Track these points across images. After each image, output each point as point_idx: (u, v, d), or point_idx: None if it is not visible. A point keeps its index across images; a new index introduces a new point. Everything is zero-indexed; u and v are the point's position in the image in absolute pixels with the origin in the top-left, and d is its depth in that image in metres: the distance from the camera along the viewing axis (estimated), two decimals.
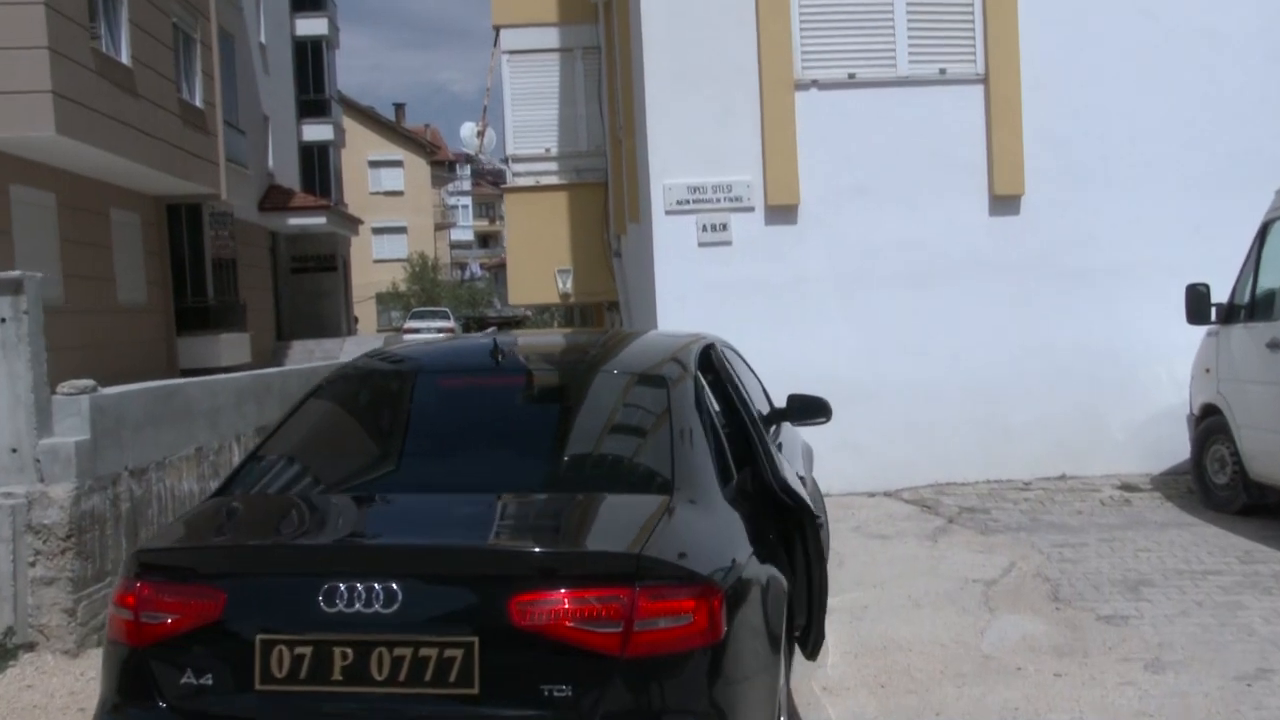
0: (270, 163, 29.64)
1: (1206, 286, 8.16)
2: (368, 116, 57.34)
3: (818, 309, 9.61)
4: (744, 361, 5.76)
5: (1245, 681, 5.04)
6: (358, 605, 2.99)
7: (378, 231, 56.18)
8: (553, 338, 7.04)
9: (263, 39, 29.38)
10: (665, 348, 4.55)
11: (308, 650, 3.00)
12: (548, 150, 14.81)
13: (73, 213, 17.53)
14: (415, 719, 2.98)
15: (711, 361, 4.84)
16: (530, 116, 14.77)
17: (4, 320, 5.74)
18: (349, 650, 2.99)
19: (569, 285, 14.18)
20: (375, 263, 56.38)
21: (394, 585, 3.00)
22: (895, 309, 9.61)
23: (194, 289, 21.95)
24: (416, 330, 38.78)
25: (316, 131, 35.13)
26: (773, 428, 5.48)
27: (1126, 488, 9.18)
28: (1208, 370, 8.42)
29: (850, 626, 5.98)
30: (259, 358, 24.23)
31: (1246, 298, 7.98)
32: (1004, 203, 9.75)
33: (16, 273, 5.81)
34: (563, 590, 2.98)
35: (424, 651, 2.97)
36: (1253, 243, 8.09)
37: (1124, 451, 9.63)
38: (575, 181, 14.62)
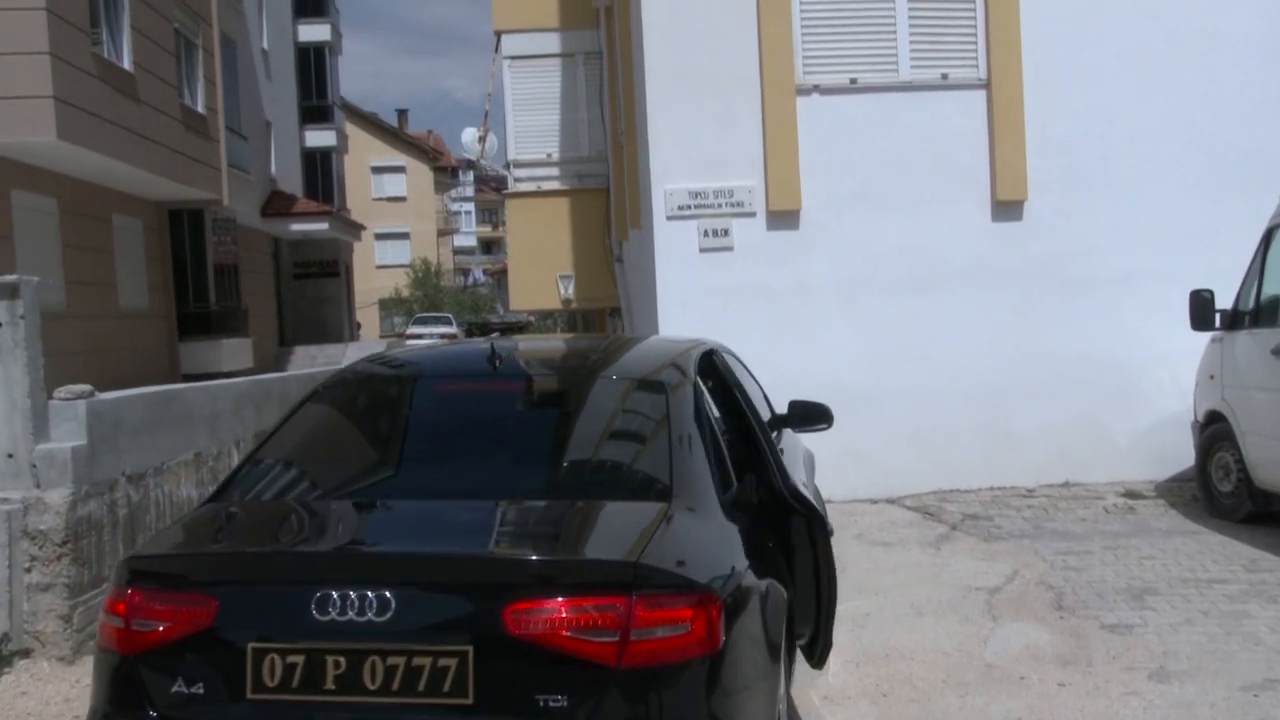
0: (273, 168, 29.65)
1: (1211, 292, 8.12)
2: (370, 122, 57.36)
3: (820, 315, 9.57)
4: (745, 368, 5.72)
5: (1252, 692, 4.99)
6: (350, 613, 2.95)
7: (380, 237, 56.17)
8: (552, 343, 7.00)
9: (265, 45, 29.40)
10: (665, 353, 4.52)
11: (300, 659, 2.96)
12: (549, 155, 14.78)
13: (74, 218, 17.52)
14: None
15: (712, 367, 4.80)
16: (532, 122, 14.75)
17: (0, 325, 5.70)
18: (342, 659, 2.95)
19: (570, 291, 14.15)
20: (378, 268, 56.38)
21: (387, 593, 2.96)
22: (897, 315, 9.57)
23: (196, 294, 21.93)
24: (419, 336, 38.74)
25: (319, 137, 35.16)
26: (774, 434, 5.43)
27: (1130, 495, 9.13)
28: (1212, 377, 8.37)
29: (852, 635, 5.93)
30: (261, 363, 24.21)
31: (1251, 304, 7.94)
32: (1006, 208, 9.72)
33: (13, 277, 5.78)
34: (559, 599, 2.93)
35: (417, 661, 2.92)
36: (1257, 249, 8.05)
37: (1128, 458, 9.58)
38: (577, 187, 14.59)
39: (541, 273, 14.22)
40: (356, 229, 35.76)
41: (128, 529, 6.22)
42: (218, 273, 22.44)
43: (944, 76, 9.72)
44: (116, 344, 18.60)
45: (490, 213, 78.03)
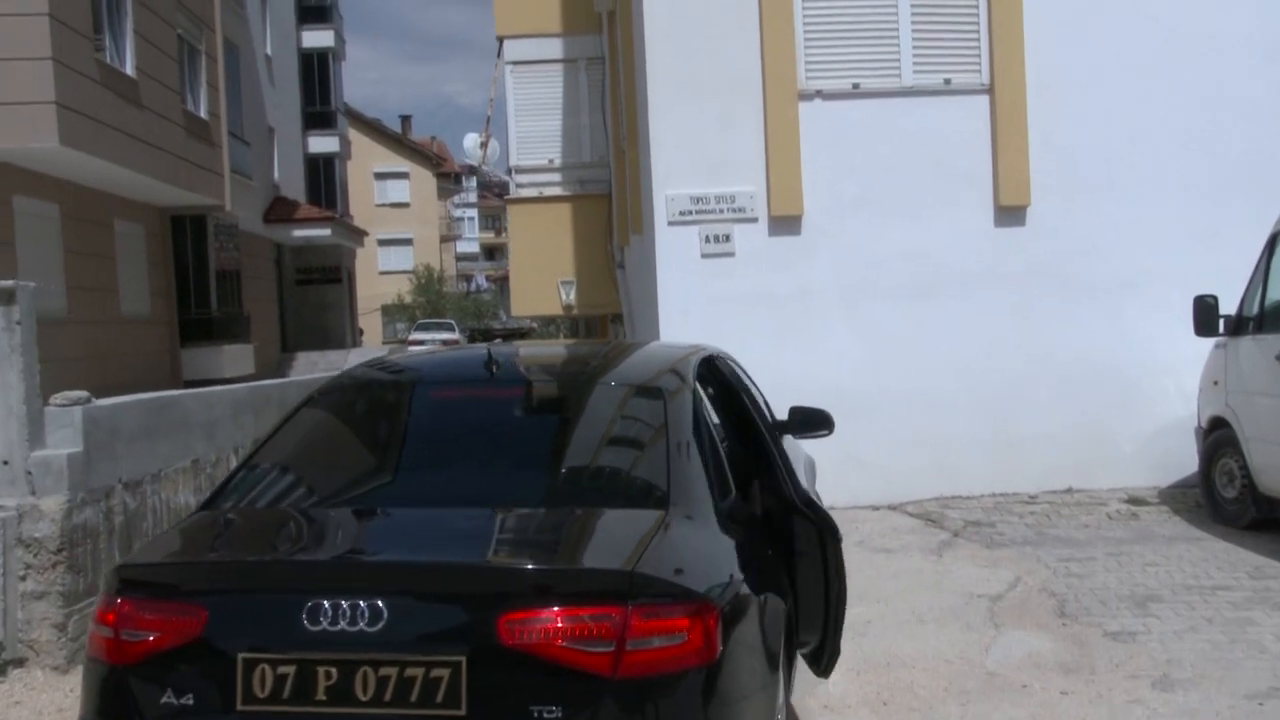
0: (276, 174, 29.67)
1: (1214, 298, 8.08)
2: (374, 129, 57.45)
3: (821, 321, 9.53)
4: (745, 374, 5.68)
5: (1257, 700, 4.94)
6: (342, 623, 2.91)
7: (383, 243, 56.20)
8: (550, 349, 6.96)
9: (269, 51, 29.44)
10: (663, 359, 4.48)
11: (291, 669, 2.92)
12: (551, 161, 14.76)
13: (76, 224, 17.51)
14: None
15: (713, 374, 4.77)
16: (534, 127, 14.74)
17: None
18: (333, 670, 2.91)
19: (572, 297, 14.13)
20: (381, 274, 56.40)
21: (379, 603, 2.92)
22: (900, 321, 9.53)
23: (198, 300, 21.91)
24: (421, 342, 38.74)
25: (322, 143, 35.18)
26: None
27: (1134, 501, 9.08)
28: (1216, 382, 8.33)
29: (853, 642, 5.87)
30: (263, 369, 24.19)
31: (1255, 309, 7.90)
32: (1009, 213, 9.68)
33: (9, 282, 5.75)
34: (553, 608, 2.89)
35: (410, 671, 2.88)
36: (1261, 254, 8.01)
37: (1131, 464, 9.53)
38: (579, 192, 14.57)
39: (543, 278, 14.19)
40: (359, 235, 35.78)
41: (124, 536, 6.19)
42: (220, 279, 22.42)
43: (946, 81, 9.69)
44: (118, 350, 18.59)
45: (493, 219, 78.06)
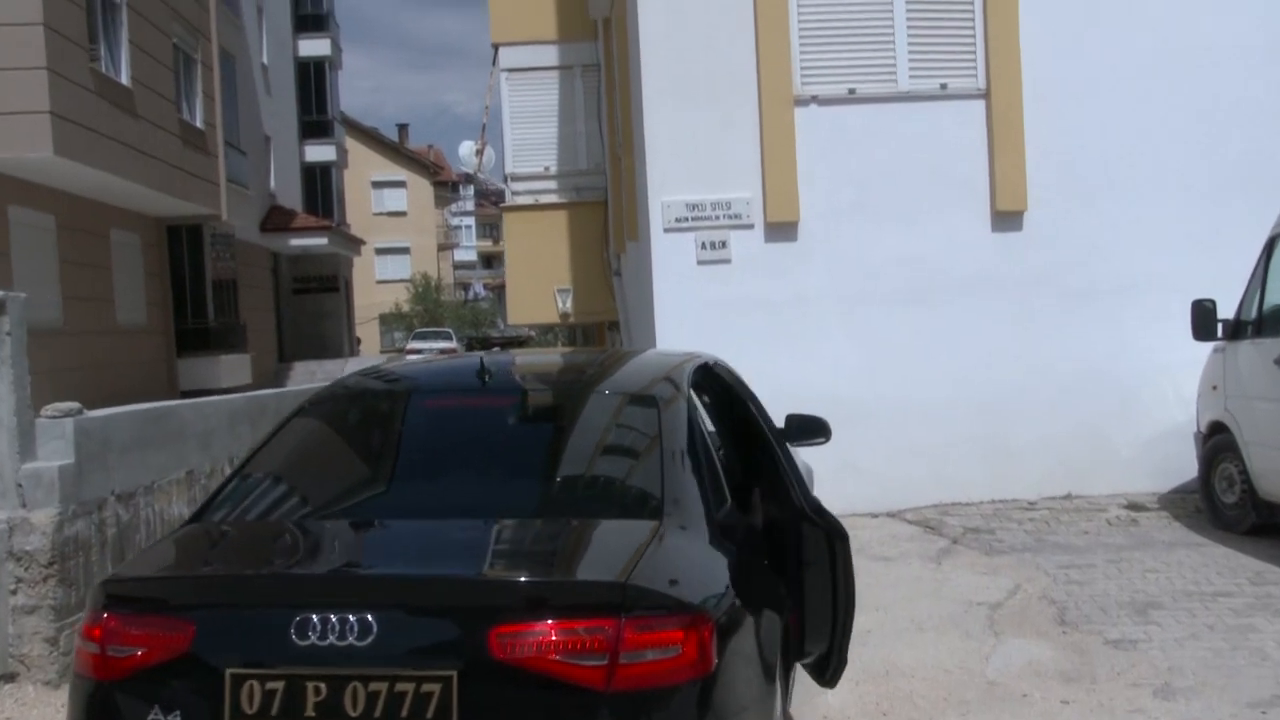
0: (272, 183, 29.65)
1: (1213, 302, 8.05)
2: (370, 137, 57.45)
3: (818, 327, 9.50)
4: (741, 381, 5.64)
5: (1259, 709, 4.90)
6: (331, 638, 2.86)
7: (381, 252, 56.19)
8: (545, 357, 6.92)
9: (265, 60, 29.44)
10: (658, 368, 4.43)
11: (279, 685, 2.87)
12: (547, 169, 14.72)
13: (72, 234, 17.48)
14: None
15: (711, 381, 4.72)
16: (529, 135, 14.69)
17: None
18: (322, 685, 2.86)
19: (569, 305, 14.08)
20: (378, 283, 56.39)
21: (369, 617, 2.87)
22: (897, 327, 9.50)
23: (194, 310, 21.89)
24: (419, 351, 38.69)
25: (319, 152, 35.20)
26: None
27: (1133, 507, 9.04)
28: (1215, 387, 8.29)
29: (852, 652, 5.73)
30: (261, 379, 24.16)
31: (1254, 313, 7.87)
32: (1006, 219, 9.65)
33: None
34: (545, 621, 2.84)
35: (400, 686, 2.83)
36: (1259, 258, 7.98)
37: (1130, 470, 9.49)
38: (575, 200, 14.53)
39: (539, 286, 14.15)
40: (356, 244, 35.76)
41: (117, 549, 6.13)
42: (216, 288, 22.40)
43: (943, 86, 9.67)
44: (114, 360, 18.55)
45: (491, 227, 78.07)
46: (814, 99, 9.62)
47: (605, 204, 13.85)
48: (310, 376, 27.14)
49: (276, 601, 2.98)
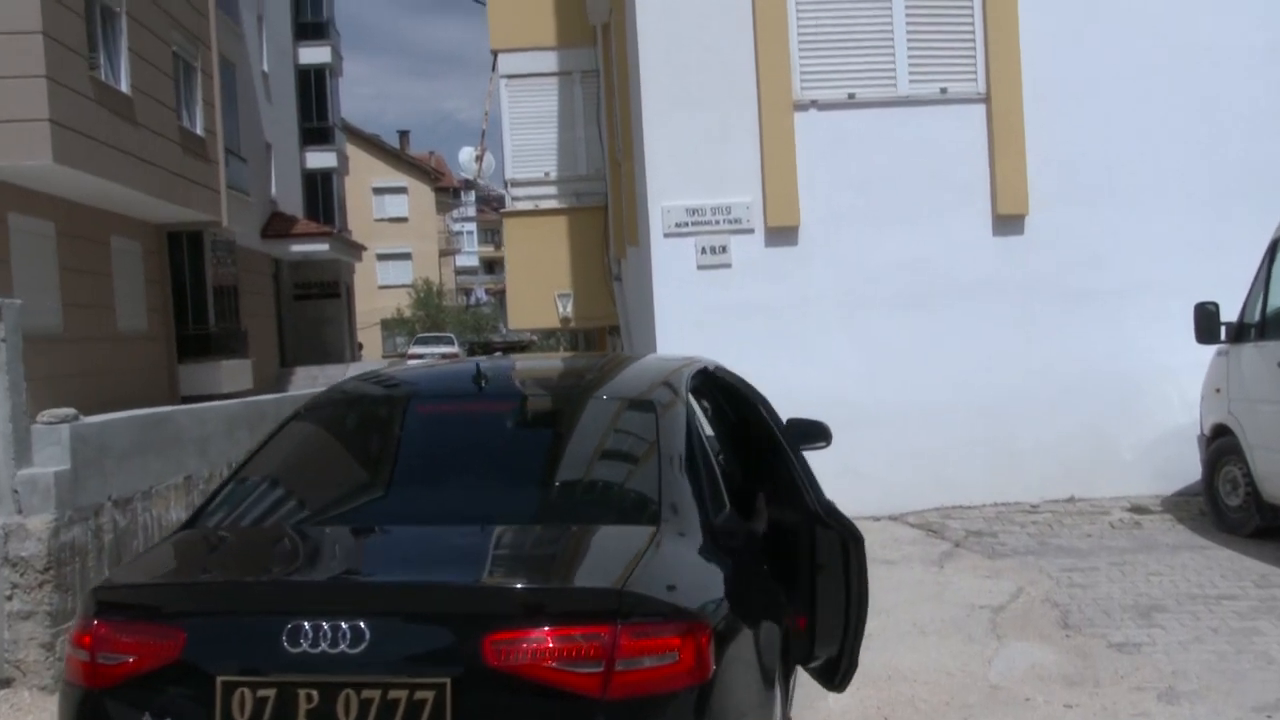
0: (273, 190, 29.66)
1: (1216, 305, 8.01)
2: (371, 144, 57.52)
3: (819, 331, 9.46)
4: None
5: (1265, 713, 4.86)
6: (323, 645, 2.83)
7: (382, 258, 56.23)
8: (545, 362, 6.90)
9: (265, 67, 29.45)
10: (657, 372, 4.39)
11: (271, 693, 2.84)
12: (547, 174, 14.71)
13: (72, 241, 17.47)
14: None
15: (715, 385, 4.69)
16: (529, 140, 14.69)
17: None
18: (314, 693, 2.82)
19: (569, 309, 14.06)
20: (380, 289, 56.44)
21: (361, 624, 2.84)
22: (898, 331, 9.46)
23: (195, 316, 21.86)
24: (421, 356, 38.70)
25: (320, 159, 35.21)
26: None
27: (1137, 510, 9.00)
28: (1218, 390, 8.25)
29: None
30: (262, 384, 24.13)
31: (1257, 316, 7.84)
32: (1007, 222, 9.62)
33: None
34: (540, 628, 2.81)
35: (393, 694, 2.80)
36: (1262, 261, 7.95)
37: (1134, 473, 9.45)
38: (575, 205, 14.52)
39: (540, 292, 14.13)
40: (357, 250, 35.78)
41: (114, 554, 6.11)
42: (217, 294, 22.38)
43: (943, 90, 9.64)
44: (115, 366, 18.53)
45: (492, 232, 78.09)
46: (814, 104, 9.59)
47: (605, 209, 13.83)
48: (312, 382, 27.11)
49: (268, 608, 2.95)
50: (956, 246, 9.54)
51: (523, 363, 5.61)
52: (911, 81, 9.61)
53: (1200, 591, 6.70)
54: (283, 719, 2.83)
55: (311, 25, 35.40)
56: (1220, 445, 8.21)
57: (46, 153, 14.52)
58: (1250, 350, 7.84)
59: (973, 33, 9.62)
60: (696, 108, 9.46)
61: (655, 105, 9.55)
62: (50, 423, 5.73)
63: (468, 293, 73.23)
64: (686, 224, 9.54)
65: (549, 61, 14.59)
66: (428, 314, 56.23)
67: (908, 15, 9.56)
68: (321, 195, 35.26)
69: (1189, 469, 8.97)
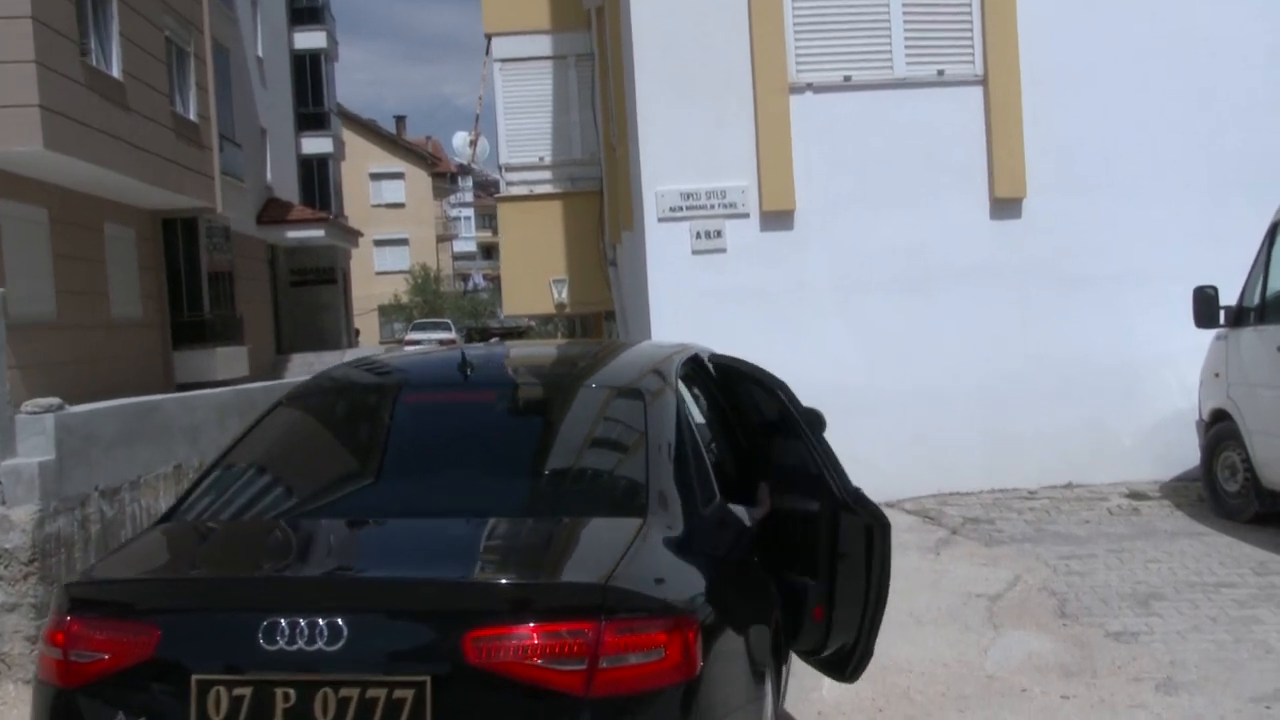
0: (269, 176, 29.50)
1: (1214, 289, 7.93)
2: (368, 129, 57.34)
3: (815, 317, 9.39)
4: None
5: (1264, 703, 4.80)
6: (300, 642, 2.76)
7: (379, 244, 56.10)
8: (535, 349, 6.80)
9: (260, 52, 29.26)
10: (647, 360, 4.32)
11: (247, 691, 2.78)
12: (541, 159, 14.61)
13: (65, 227, 17.35)
14: None
15: (701, 374, 4.61)
16: (524, 125, 14.59)
17: None
18: (291, 691, 2.76)
19: (564, 295, 13.99)
20: (377, 275, 56.32)
21: (339, 621, 2.77)
22: (894, 316, 9.39)
23: (190, 303, 21.75)
24: (418, 342, 38.63)
25: (316, 144, 35.01)
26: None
27: (1135, 496, 8.94)
28: (1217, 375, 8.19)
29: None
30: (257, 371, 24.05)
31: (1256, 300, 7.76)
32: (1005, 206, 9.53)
33: None
34: (522, 625, 2.74)
35: (372, 692, 2.73)
36: (1261, 244, 7.87)
37: (1132, 459, 9.38)
38: (570, 190, 14.42)
39: (535, 277, 14.05)
40: (354, 235, 35.62)
41: (101, 545, 6.04)
42: (212, 281, 22.27)
43: (940, 73, 9.54)
44: (109, 353, 18.44)
45: (490, 218, 77.70)
46: (809, 86, 9.49)
47: (600, 193, 13.73)
48: (308, 368, 27.00)
49: (244, 605, 2.89)
50: (953, 231, 9.45)
51: (519, 350, 5.51)
52: (908, 64, 9.51)
53: (1199, 579, 6.64)
54: (259, 717, 2.77)
55: (307, 9, 35.17)
56: (1219, 430, 8.14)
57: (37, 138, 14.40)
58: (1249, 334, 7.77)
59: (970, 15, 9.52)
60: (691, 91, 9.37)
61: (649, 89, 9.46)
62: (34, 412, 5.67)
63: (465, 278, 73.11)
64: (681, 209, 9.45)
65: (543, 45, 14.48)
66: (425, 300, 56.15)
67: None
68: (318, 181, 35.09)
69: (1187, 454, 8.91)
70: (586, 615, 2.75)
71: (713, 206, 9.47)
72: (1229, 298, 7.94)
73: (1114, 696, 4.97)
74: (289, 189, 31.76)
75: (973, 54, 9.52)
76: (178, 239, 21.60)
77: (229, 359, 22.15)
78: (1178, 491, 9.00)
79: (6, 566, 5.40)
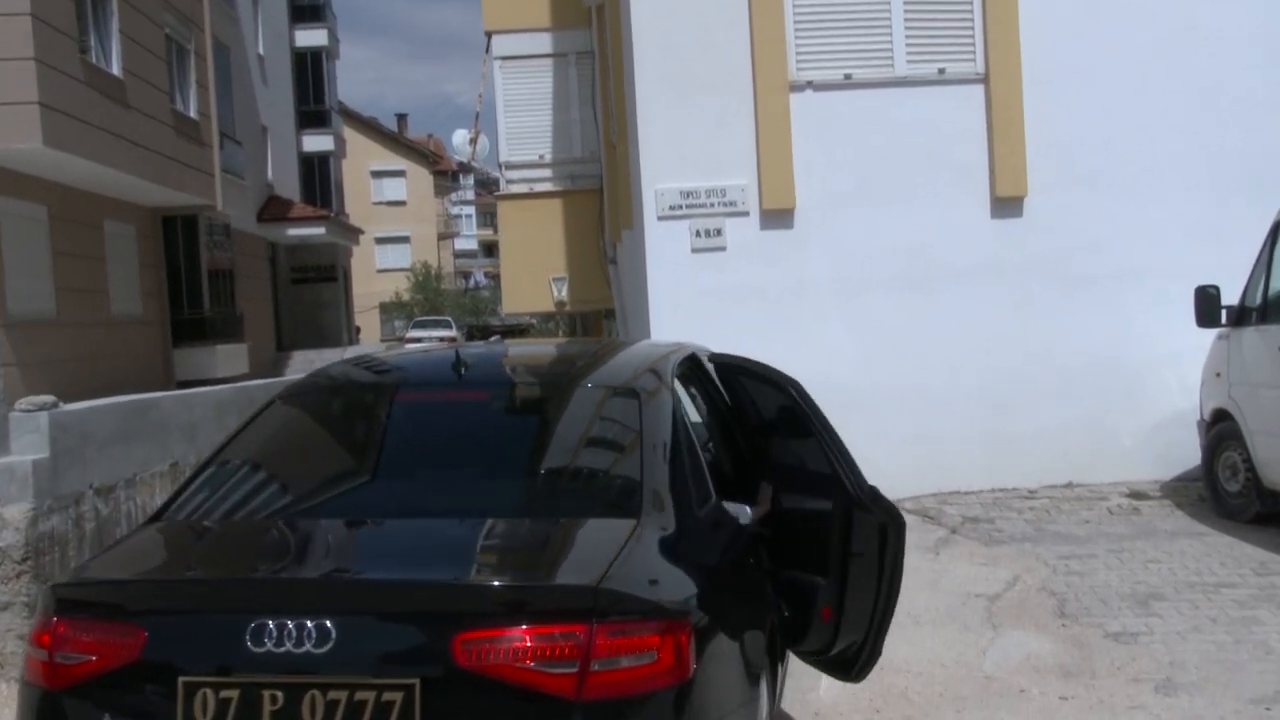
0: (269, 173, 29.47)
1: (1216, 288, 7.90)
2: (369, 127, 57.28)
3: (815, 315, 9.36)
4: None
5: (1264, 705, 4.77)
6: (288, 644, 2.74)
7: (381, 241, 56.07)
8: (533, 348, 6.78)
9: (261, 50, 29.23)
10: (643, 359, 4.28)
11: (234, 694, 2.75)
12: (542, 157, 14.58)
13: (65, 225, 17.32)
14: None
15: (698, 373, 4.58)
16: (524, 123, 14.55)
17: None
18: (279, 693, 2.73)
19: (564, 293, 13.96)
20: (379, 272, 56.31)
21: (328, 623, 2.75)
22: (895, 314, 9.36)
23: (190, 300, 21.70)
24: (419, 339, 38.62)
25: (316, 142, 34.98)
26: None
27: (1135, 496, 8.91)
28: (1218, 374, 8.16)
29: None
30: (258, 369, 24.02)
31: (1258, 300, 7.73)
32: (1006, 205, 9.50)
33: None
34: (512, 627, 2.72)
35: (360, 695, 2.71)
36: (1264, 243, 7.84)
37: (1132, 458, 9.35)
38: (570, 188, 14.39)
39: (535, 275, 14.02)
40: (354, 233, 35.59)
41: (96, 543, 6.02)
42: (212, 278, 22.23)
43: (941, 71, 9.51)
44: (109, 351, 18.41)
45: (491, 215, 77.65)
46: (809, 84, 9.46)
47: (600, 192, 13.70)
48: (309, 366, 26.94)
49: (232, 606, 2.86)
50: (954, 230, 9.42)
51: (516, 349, 5.48)
52: (909, 62, 9.48)
53: (1199, 579, 6.61)
54: None
55: (308, 7, 35.14)
56: (1220, 430, 8.11)
57: (36, 136, 14.35)
58: (1251, 334, 7.74)
59: (971, 13, 9.48)
60: (691, 89, 9.34)
61: (649, 87, 9.43)
62: (28, 410, 5.64)
63: (466, 276, 73.06)
64: (681, 207, 9.42)
65: (543, 43, 14.45)
66: (426, 297, 56.12)
67: None
68: (319, 178, 35.06)
69: (1188, 454, 8.88)
70: (578, 617, 2.72)
71: (713, 205, 9.44)
72: (1230, 297, 7.91)
73: (1113, 697, 4.94)
74: (290, 186, 31.73)
75: (974, 52, 9.49)
76: (178, 236, 21.55)
77: (229, 356, 22.13)
78: (1178, 491, 8.97)
79: (0, 565, 5.37)
